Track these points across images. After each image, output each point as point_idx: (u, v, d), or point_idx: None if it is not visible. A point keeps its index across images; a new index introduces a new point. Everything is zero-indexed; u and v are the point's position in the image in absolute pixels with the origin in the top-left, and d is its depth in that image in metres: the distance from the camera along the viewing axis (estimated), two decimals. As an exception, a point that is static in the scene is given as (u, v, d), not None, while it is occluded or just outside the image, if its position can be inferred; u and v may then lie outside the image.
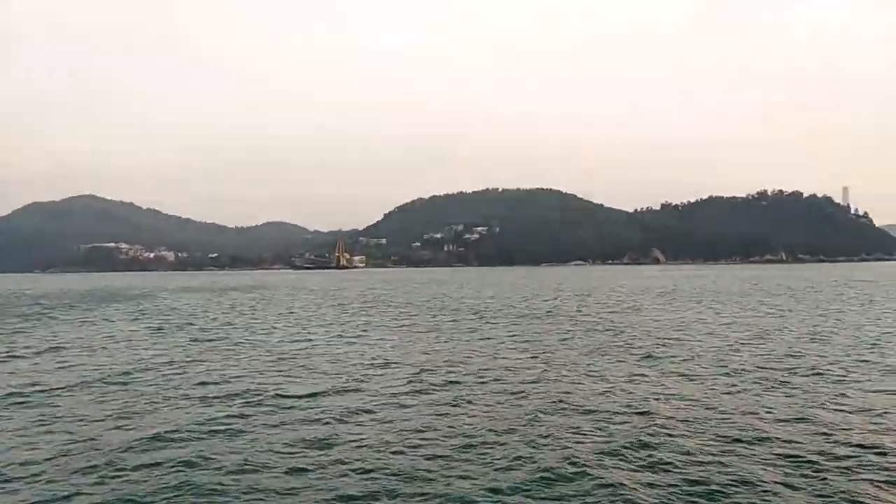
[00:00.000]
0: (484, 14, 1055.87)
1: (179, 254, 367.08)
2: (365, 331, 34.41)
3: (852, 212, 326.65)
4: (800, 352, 23.13)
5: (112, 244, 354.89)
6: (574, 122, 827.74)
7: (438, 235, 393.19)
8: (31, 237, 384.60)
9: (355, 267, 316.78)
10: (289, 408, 15.57)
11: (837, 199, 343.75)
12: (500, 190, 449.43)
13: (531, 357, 23.30)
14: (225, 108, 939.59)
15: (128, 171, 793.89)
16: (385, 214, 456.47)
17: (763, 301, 52.23)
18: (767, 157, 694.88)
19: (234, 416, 14.75)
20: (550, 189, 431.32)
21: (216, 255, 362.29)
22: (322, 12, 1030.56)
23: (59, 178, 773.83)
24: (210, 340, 30.78)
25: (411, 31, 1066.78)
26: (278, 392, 17.43)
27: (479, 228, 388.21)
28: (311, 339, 30.57)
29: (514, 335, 30.51)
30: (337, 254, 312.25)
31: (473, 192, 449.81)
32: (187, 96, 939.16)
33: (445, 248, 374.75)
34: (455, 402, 15.83)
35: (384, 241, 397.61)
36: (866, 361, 20.86)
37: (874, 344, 24.97)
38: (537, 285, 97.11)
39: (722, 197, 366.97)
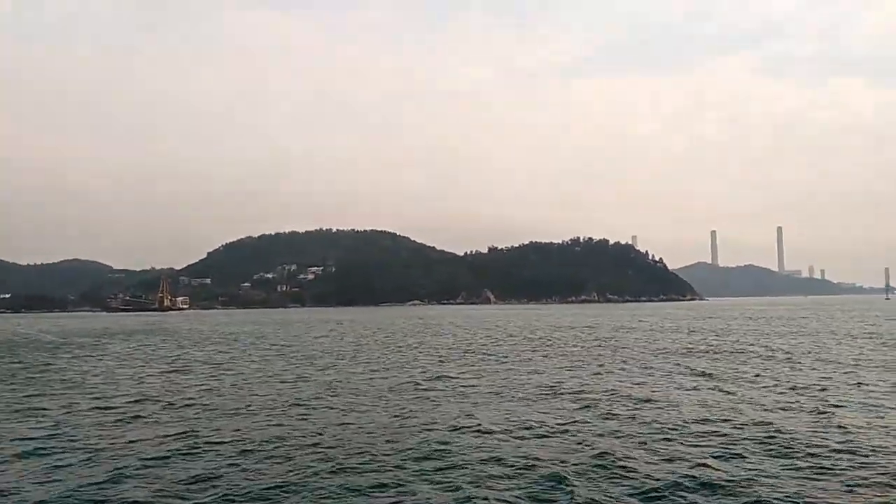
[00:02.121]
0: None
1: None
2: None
3: (650, 258, 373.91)
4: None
5: None
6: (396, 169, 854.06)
7: (270, 275, 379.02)
8: None
9: (179, 309, 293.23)
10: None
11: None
12: (334, 231, 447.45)
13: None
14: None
15: None
16: (208, 253, 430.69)
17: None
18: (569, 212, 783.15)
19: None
20: (384, 231, 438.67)
21: (8, 295, 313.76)
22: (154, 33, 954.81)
23: None
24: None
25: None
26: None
27: (314, 268, 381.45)
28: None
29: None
30: (160, 294, 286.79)
31: (306, 233, 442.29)
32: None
33: (279, 289, 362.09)
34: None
35: (209, 280, 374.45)
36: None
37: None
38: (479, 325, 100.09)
39: (541, 242, 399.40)
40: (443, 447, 15.31)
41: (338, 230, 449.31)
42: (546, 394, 23.37)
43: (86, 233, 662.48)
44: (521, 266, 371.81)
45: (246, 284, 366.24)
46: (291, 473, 13.44)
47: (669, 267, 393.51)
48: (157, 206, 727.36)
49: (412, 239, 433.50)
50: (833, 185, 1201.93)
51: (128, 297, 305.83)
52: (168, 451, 15.75)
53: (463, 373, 30.66)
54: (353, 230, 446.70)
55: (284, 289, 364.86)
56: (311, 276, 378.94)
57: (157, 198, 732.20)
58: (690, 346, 44.56)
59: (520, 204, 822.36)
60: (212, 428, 18.51)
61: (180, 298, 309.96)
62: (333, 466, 13.83)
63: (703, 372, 28.66)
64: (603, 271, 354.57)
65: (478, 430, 17.06)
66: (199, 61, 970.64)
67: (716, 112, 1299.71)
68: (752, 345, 44.34)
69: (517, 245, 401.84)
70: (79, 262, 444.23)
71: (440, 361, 36.65)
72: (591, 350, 42.51)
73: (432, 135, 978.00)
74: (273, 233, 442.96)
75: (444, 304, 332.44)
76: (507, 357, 38.79)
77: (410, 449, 15.24)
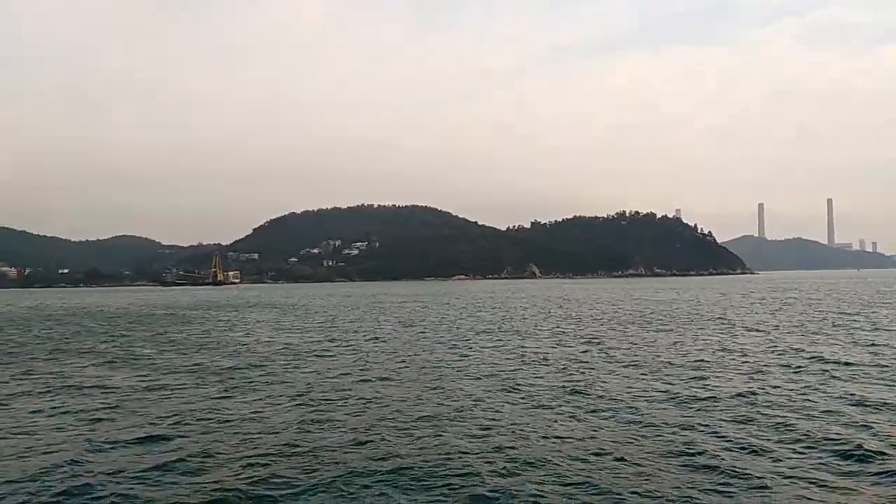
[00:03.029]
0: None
1: (24, 269, 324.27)
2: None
3: (698, 231, 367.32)
4: None
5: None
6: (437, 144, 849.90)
7: (316, 251, 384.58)
8: None
9: (232, 283, 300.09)
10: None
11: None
12: (376, 206, 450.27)
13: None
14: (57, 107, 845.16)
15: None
16: (254, 229, 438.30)
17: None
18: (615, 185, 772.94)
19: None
20: (425, 206, 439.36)
21: (66, 270, 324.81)
22: (190, 17, 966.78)
23: None
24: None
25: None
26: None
27: (359, 244, 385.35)
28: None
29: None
30: (214, 269, 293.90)
31: (348, 208, 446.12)
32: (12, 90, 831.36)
33: (325, 264, 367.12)
34: None
35: (256, 256, 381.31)
36: None
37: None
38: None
39: (585, 217, 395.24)
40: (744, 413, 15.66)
41: (379, 206, 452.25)
42: (757, 367, 23.18)
43: (134, 210, 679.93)
44: (564, 240, 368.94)
45: (293, 259, 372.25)
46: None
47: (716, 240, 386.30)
48: (204, 184, 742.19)
49: (453, 214, 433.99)
50: (885, 155, 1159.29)
51: (181, 272, 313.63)
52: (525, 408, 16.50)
53: (628, 343, 31.05)
54: (395, 205, 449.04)
55: (330, 264, 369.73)
56: (355, 252, 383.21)
57: (204, 175, 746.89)
58: (815, 320, 44.07)
59: (562, 178, 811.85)
60: (501, 389, 19.28)
61: (231, 273, 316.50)
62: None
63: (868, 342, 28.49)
64: (650, 245, 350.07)
65: (748, 401, 17.25)
66: (239, 45, 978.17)
67: (760, 83, 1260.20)
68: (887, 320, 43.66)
69: (560, 219, 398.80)
70: (129, 237, 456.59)
71: (594, 336, 36.85)
72: (718, 323, 42.38)
73: (470, 112, 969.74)
74: (316, 209, 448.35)
75: (488, 278, 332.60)
76: (647, 328, 39.04)
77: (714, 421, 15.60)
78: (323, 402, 18.01)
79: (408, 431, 14.47)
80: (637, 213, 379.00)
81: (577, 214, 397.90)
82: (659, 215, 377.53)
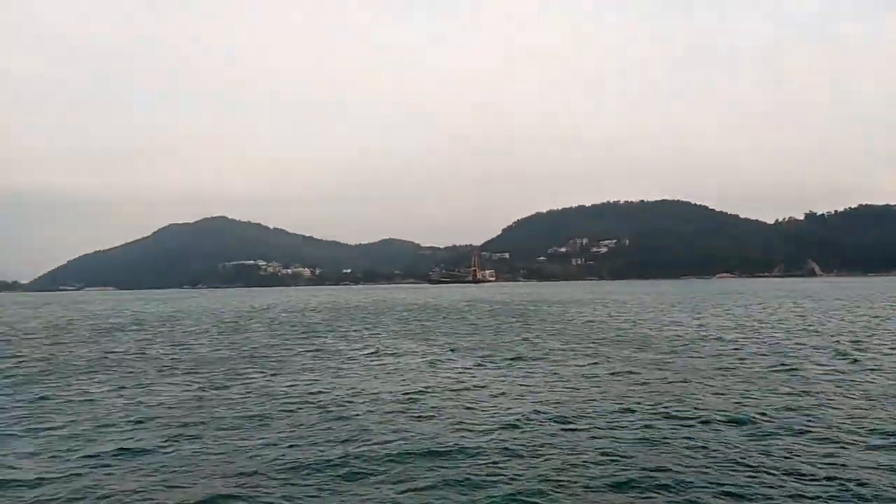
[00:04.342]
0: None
1: (315, 269, 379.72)
2: None
3: None
4: None
5: (251, 261, 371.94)
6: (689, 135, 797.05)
7: (563, 249, 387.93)
8: (173, 256, 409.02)
9: (488, 281, 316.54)
10: None
11: None
12: (622, 202, 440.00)
13: None
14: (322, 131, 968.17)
15: (252, 194, 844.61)
16: (504, 229, 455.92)
17: None
18: None
19: None
20: (678, 200, 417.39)
21: (349, 270, 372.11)
22: (439, 27, 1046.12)
23: (191, 201, 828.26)
24: None
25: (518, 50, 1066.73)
26: None
27: (606, 241, 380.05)
28: None
29: None
30: (473, 268, 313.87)
31: (592, 206, 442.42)
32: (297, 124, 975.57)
33: (573, 262, 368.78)
34: None
35: (507, 255, 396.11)
36: None
37: None
38: None
39: (875, 205, 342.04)
40: None
41: (625, 202, 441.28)
42: None
43: (395, 216, 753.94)
44: (848, 233, 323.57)
45: (541, 258, 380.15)
46: None
47: None
48: (459, 189, 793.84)
49: (710, 207, 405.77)
50: None
51: (444, 271, 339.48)
52: None
53: None
54: (642, 201, 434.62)
55: (579, 262, 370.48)
56: (603, 250, 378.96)
57: (456, 180, 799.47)
58: None
59: (838, 161, 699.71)
60: None
61: (487, 272, 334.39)
62: None
63: None
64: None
65: None
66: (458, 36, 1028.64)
67: None
68: None
69: (842, 209, 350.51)
70: (394, 241, 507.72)
71: None
72: None
73: (716, 98, 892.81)
74: (560, 208, 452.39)
75: (756, 276, 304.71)
76: None
77: None
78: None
79: None
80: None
81: (863, 203, 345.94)
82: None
